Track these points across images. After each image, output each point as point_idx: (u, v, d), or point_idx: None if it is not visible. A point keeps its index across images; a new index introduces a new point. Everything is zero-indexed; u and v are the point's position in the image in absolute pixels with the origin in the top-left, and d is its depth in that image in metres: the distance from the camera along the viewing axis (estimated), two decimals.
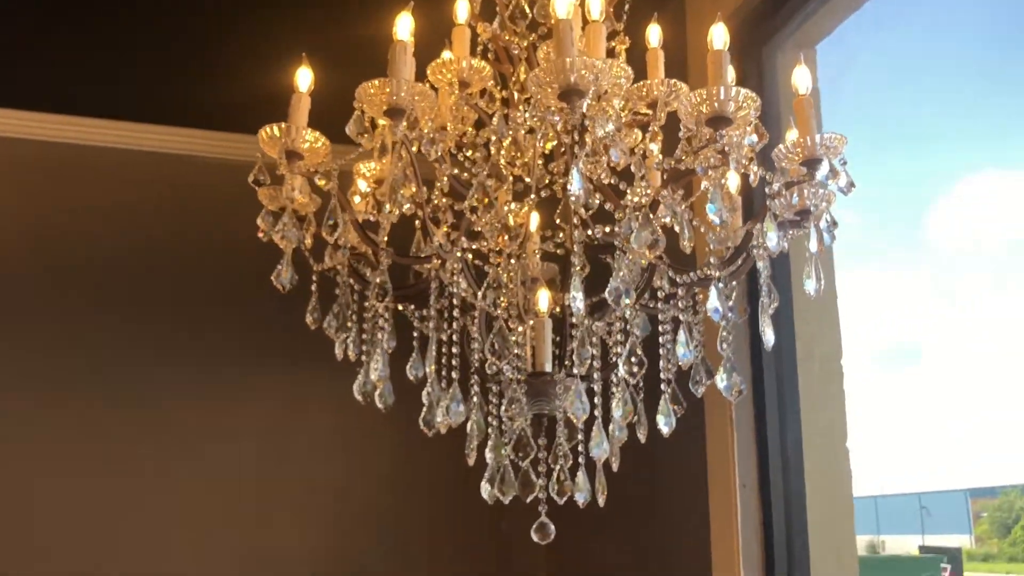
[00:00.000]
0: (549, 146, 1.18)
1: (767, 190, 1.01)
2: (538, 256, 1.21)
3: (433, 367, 1.17)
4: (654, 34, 1.23)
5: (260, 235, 1.20)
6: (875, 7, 1.74)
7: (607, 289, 0.93)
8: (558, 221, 1.17)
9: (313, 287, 1.23)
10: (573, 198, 0.87)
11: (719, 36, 0.99)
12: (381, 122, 1.26)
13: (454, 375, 1.09)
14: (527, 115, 0.94)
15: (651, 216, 0.90)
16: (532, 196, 1.16)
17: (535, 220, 1.18)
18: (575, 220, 0.93)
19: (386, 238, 1.13)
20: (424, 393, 1.19)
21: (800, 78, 1.07)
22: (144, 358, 2.55)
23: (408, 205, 0.98)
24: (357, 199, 1.27)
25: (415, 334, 1.23)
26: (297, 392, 2.68)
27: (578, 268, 0.93)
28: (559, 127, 0.92)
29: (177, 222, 2.67)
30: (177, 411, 2.55)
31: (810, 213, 1.08)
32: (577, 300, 0.90)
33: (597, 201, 0.96)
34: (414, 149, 1.02)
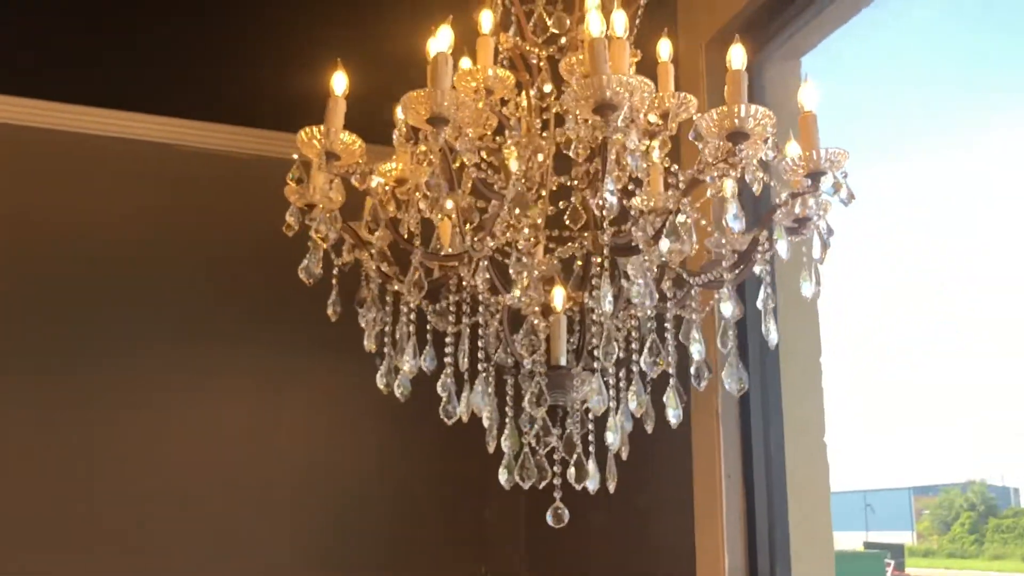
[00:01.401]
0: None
1: (776, 200, 1.09)
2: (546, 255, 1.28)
3: (447, 359, 1.23)
4: (664, 48, 1.31)
5: (286, 230, 1.25)
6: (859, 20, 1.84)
7: (633, 291, 1.00)
8: (568, 222, 1.24)
9: (334, 280, 1.28)
10: (606, 206, 0.94)
11: (738, 57, 1.06)
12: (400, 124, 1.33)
13: (479, 367, 1.15)
14: (567, 128, 1.00)
15: (677, 224, 0.97)
16: (543, 197, 1.23)
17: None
18: (604, 224, 0.99)
19: (405, 235, 1.19)
20: (439, 385, 1.26)
21: (806, 95, 1.15)
22: (122, 344, 2.57)
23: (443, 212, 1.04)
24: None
25: (428, 327, 1.29)
26: (277, 382, 2.72)
27: (607, 270, 1.00)
28: (588, 138, 0.99)
29: (163, 210, 2.69)
30: (156, 398, 2.58)
31: (809, 221, 1.16)
32: (607, 301, 0.97)
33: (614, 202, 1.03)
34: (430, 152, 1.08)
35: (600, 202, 0.96)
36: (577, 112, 0.95)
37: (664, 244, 0.95)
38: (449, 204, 1.00)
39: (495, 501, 2.79)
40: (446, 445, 2.73)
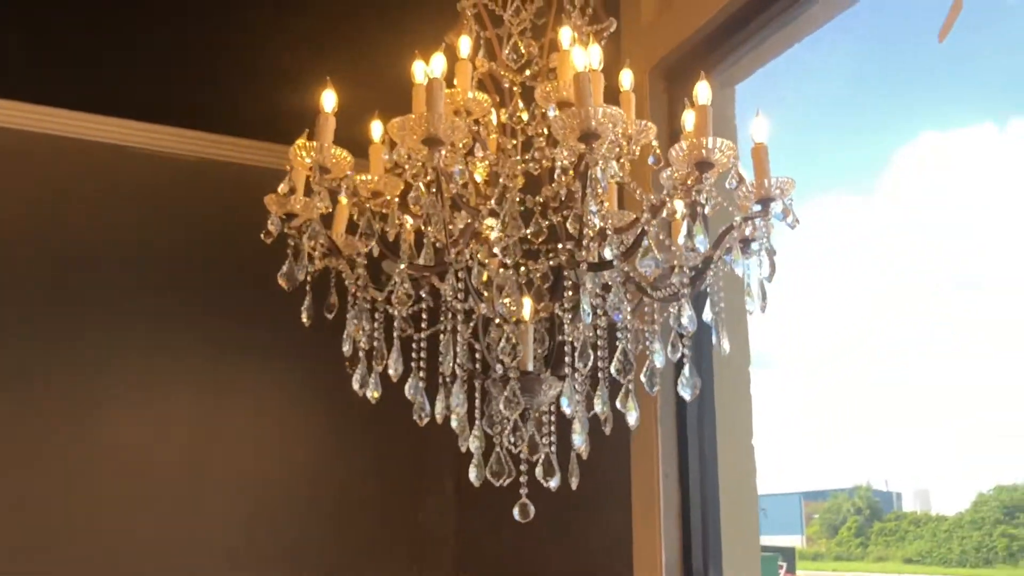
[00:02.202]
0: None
1: (734, 223, 1.21)
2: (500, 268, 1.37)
3: (413, 364, 1.30)
4: (626, 78, 1.41)
5: (265, 237, 1.30)
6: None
7: (608, 303, 1.09)
8: (540, 239, 1.33)
9: (307, 287, 1.34)
10: (590, 226, 1.03)
11: (703, 93, 1.17)
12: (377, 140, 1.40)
13: (459, 372, 1.22)
14: (561, 151, 1.09)
15: (651, 244, 1.07)
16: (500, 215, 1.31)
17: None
18: (586, 242, 1.08)
19: (370, 248, 1.26)
20: (407, 388, 1.33)
21: (757, 128, 1.27)
22: (73, 349, 2.54)
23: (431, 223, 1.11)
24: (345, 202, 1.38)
25: (396, 334, 1.36)
26: (216, 389, 2.72)
27: (588, 287, 1.09)
28: (568, 163, 1.08)
29: (103, 216, 2.67)
30: (102, 401, 2.55)
31: (752, 242, 1.28)
32: (586, 313, 1.06)
33: (598, 223, 1.12)
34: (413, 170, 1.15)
35: (585, 221, 1.05)
36: (562, 139, 1.03)
37: (647, 264, 1.04)
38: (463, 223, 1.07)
39: (428, 503, 2.85)
40: (379, 449, 2.80)
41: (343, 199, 1.36)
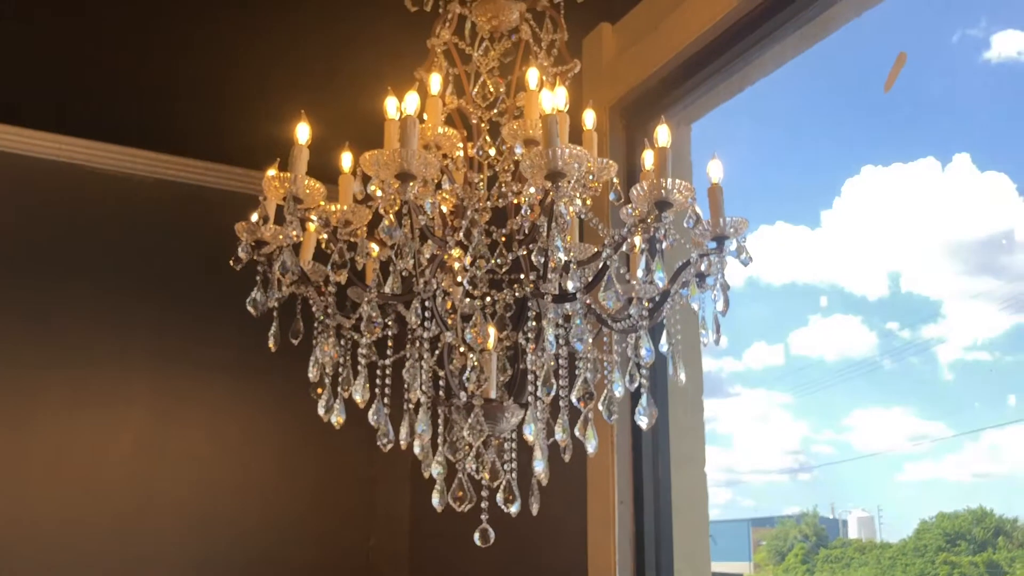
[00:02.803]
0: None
1: (690, 259, 1.26)
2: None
3: (377, 390, 1.33)
4: (589, 118, 1.47)
5: (234, 264, 1.32)
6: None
7: (570, 333, 1.14)
8: (504, 272, 1.37)
9: (275, 313, 1.36)
10: (555, 260, 1.08)
11: (663, 135, 1.23)
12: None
13: (423, 399, 1.25)
14: (527, 189, 1.14)
15: (614, 278, 1.12)
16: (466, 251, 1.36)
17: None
18: (550, 275, 1.13)
19: (340, 278, 1.29)
20: (371, 414, 1.36)
21: (713, 170, 1.33)
22: (20, 357, 2.52)
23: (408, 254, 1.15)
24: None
25: (361, 360, 1.39)
26: (164, 408, 2.71)
27: (550, 318, 1.13)
28: (535, 200, 1.13)
29: (49, 229, 2.65)
30: (54, 412, 2.53)
31: (707, 276, 1.34)
32: (550, 343, 1.11)
33: (565, 259, 1.17)
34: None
35: (550, 255, 1.10)
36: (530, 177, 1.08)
37: (609, 298, 1.09)
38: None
39: (381, 528, 2.86)
40: (330, 475, 2.80)
41: (311, 227, 1.39)
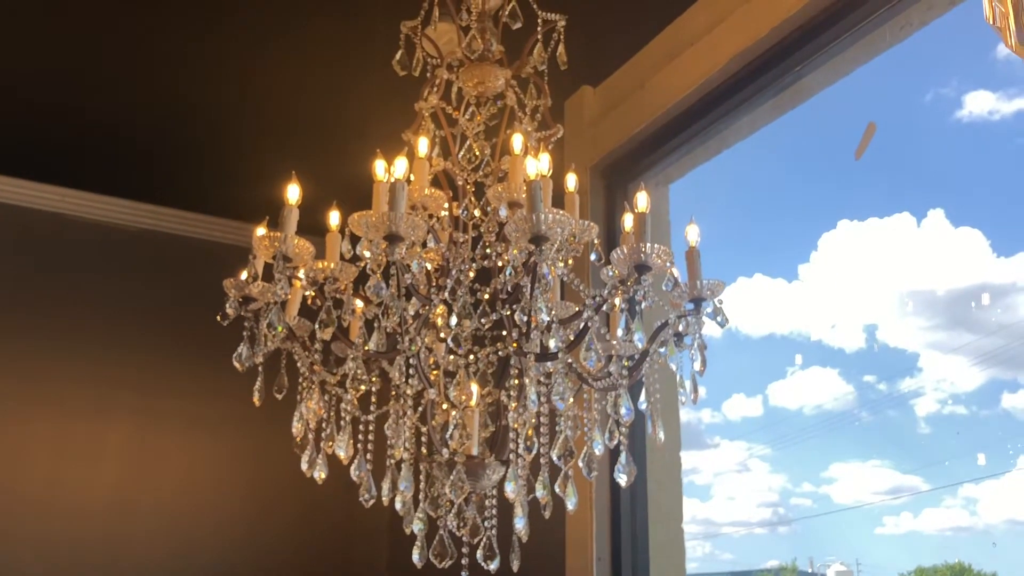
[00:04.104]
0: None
1: (668, 319, 1.30)
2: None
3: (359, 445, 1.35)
4: (571, 180, 1.52)
5: (220, 319, 1.34)
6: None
7: (552, 391, 1.17)
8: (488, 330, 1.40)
9: (260, 368, 1.38)
10: (538, 321, 1.11)
11: (642, 200, 1.27)
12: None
13: (406, 455, 1.27)
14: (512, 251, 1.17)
15: (594, 339, 1.15)
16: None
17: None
18: (533, 334, 1.16)
19: (326, 335, 1.32)
20: (353, 468, 1.37)
21: (691, 234, 1.38)
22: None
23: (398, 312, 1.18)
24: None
25: (344, 415, 1.40)
26: (146, 447, 2.71)
27: (532, 376, 1.16)
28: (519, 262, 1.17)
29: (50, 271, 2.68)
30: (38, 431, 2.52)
31: (685, 336, 1.38)
32: (532, 401, 1.13)
33: (546, 318, 1.20)
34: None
35: (530, 313, 1.13)
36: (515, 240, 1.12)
37: (589, 359, 1.12)
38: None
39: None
40: (307, 527, 2.78)
41: (298, 283, 1.42)
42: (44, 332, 2.62)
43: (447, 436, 1.28)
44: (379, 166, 1.30)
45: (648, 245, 1.20)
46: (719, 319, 1.34)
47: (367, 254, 1.15)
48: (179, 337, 2.73)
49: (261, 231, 1.33)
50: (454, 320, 1.18)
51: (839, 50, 1.65)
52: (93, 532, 2.55)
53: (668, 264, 1.22)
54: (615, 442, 1.38)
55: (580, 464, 1.36)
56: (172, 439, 2.74)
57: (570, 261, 1.41)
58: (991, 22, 0.73)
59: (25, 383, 2.57)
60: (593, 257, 1.45)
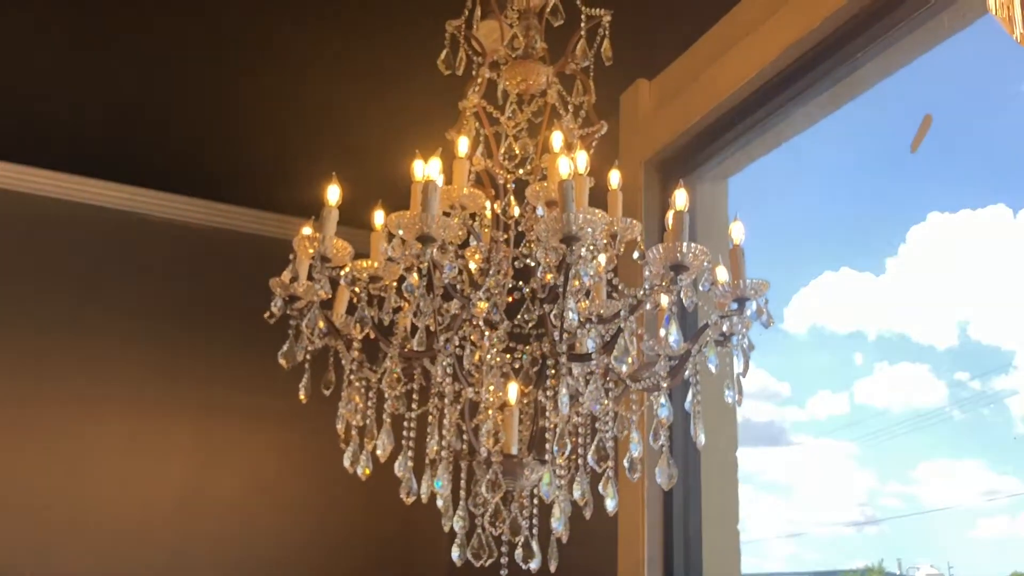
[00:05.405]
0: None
1: (709, 320, 1.27)
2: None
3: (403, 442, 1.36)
4: (614, 178, 1.50)
5: (267, 318, 1.38)
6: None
7: (587, 393, 1.16)
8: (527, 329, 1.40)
9: (306, 365, 1.40)
10: (567, 321, 1.10)
11: (680, 198, 1.25)
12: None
13: (444, 454, 1.28)
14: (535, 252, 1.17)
15: (628, 340, 1.13)
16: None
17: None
18: (566, 335, 1.15)
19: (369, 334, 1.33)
20: (396, 466, 1.39)
21: (736, 231, 1.34)
22: (60, 403, 2.62)
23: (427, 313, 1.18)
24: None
25: (385, 414, 1.42)
26: (206, 451, 2.79)
27: (564, 373, 1.15)
28: (553, 262, 1.16)
29: (105, 275, 2.77)
30: (86, 458, 2.62)
31: (730, 337, 1.35)
32: (564, 403, 1.13)
33: (575, 319, 1.19)
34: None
35: (563, 315, 1.13)
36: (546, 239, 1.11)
37: (621, 361, 1.11)
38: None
39: None
40: (369, 522, 2.82)
41: (343, 283, 1.44)
42: (115, 331, 2.72)
43: (485, 435, 1.28)
44: (417, 166, 1.31)
45: (685, 244, 1.18)
46: (763, 319, 1.31)
47: (397, 253, 1.16)
48: (243, 333, 2.80)
49: (307, 230, 1.35)
50: (496, 318, 1.19)
51: (896, 39, 1.59)
52: (161, 528, 2.64)
53: (706, 263, 1.20)
54: (660, 443, 1.36)
55: (625, 464, 1.35)
56: (236, 436, 2.81)
57: (615, 259, 1.40)
58: (994, 12, 0.69)
59: (96, 384, 2.68)
60: (636, 255, 1.43)
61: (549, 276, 1.21)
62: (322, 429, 2.48)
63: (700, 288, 1.22)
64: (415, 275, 1.23)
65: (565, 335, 1.17)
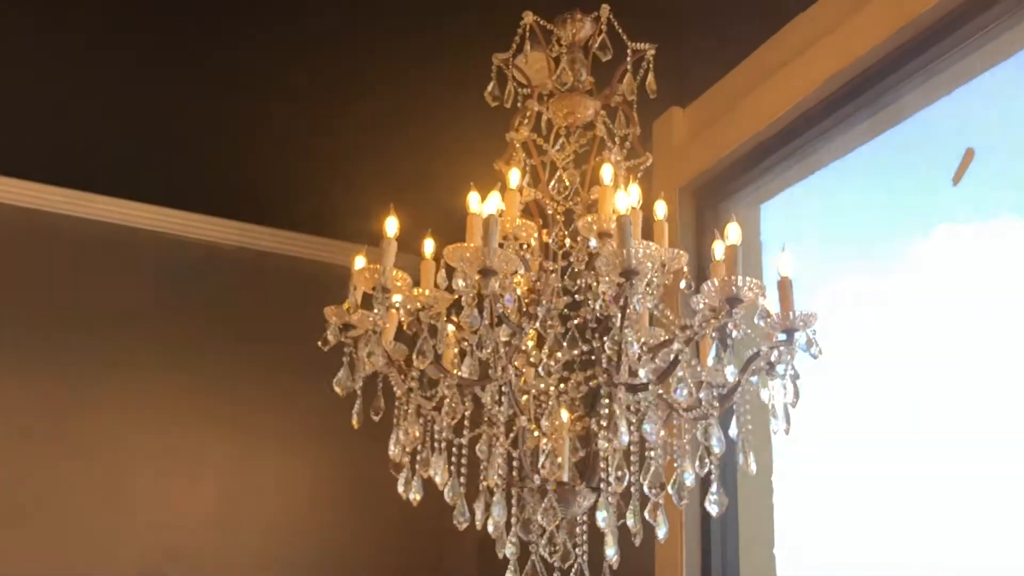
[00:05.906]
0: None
1: (760, 350, 1.29)
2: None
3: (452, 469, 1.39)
4: (660, 208, 1.52)
5: (322, 345, 1.40)
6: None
7: (644, 427, 1.18)
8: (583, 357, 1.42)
9: (359, 392, 1.43)
10: (627, 353, 1.13)
11: (734, 233, 1.27)
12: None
13: (497, 480, 1.30)
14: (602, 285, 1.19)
15: (684, 372, 1.16)
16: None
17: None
18: (623, 368, 1.17)
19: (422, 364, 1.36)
20: (447, 490, 1.41)
21: (783, 264, 1.36)
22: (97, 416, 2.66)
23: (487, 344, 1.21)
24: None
25: (441, 436, 1.44)
26: (240, 465, 2.82)
27: (620, 406, 1.17)
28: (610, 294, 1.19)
29: (141, 291, 2.82)
30: (124, 478, 2.65)
31: (778, 365, 1.36)
32: (623, 434, 1.15)
33: (636, 350, 1.21)
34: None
35: (621, 346, 1.15)
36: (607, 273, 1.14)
37: (681, 390, 1.13)
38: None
39: None
40: (401, 540, 2.84)
41: (394, 311, 1.47)
42: (151, 351, 2.75)
43: (538, 463, 1.30)
44: (473, 199, 1.34)
45: (740, 278, 1.20)
46: (812, 351, 1.33)
47: (462, 284, 1.19)
48: (277, 353, 2.83)
49: (360, 260, 1.38)
50: (546, 350, 1.21)
51: (940, 69, 1.61)
52: (195, 546, 2.66)
53: (760, 296, 1.22)
54: (706, 470, 1.38)
55: (670, 491, 1.37)
56: (270, 454, 2.84)
57: (661, 288, 1.42)
58: None
59: (135, 401, 2.71)
60: (683, 285, 1.45)
61: (607, 309, 1.23)
62: (356, 451, 2.51)
63: (756, 321, 1.24)
64: (472, 306, 1.25)
65: (621, 366, 1.19)
